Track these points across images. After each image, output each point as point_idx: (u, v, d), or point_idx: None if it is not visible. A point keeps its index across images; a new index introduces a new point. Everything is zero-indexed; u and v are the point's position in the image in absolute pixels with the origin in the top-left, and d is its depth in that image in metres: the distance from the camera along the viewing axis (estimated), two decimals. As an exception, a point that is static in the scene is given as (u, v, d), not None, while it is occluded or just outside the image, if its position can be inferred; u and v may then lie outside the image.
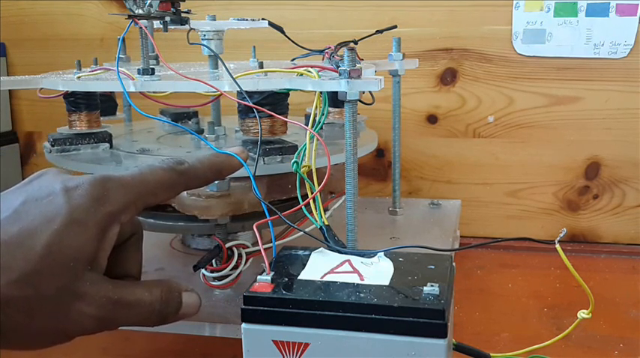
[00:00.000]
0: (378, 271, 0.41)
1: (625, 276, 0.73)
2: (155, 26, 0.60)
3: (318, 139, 0.51)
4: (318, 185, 0.51)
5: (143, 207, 0.41)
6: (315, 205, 0.49)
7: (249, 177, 0.48)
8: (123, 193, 0.40)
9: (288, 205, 0.55)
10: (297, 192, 0.50)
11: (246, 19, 0.67)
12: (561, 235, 0.41)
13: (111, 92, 0.72)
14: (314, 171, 0.52)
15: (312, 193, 0.50)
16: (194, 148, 0.65)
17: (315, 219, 0.49)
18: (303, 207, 0.49)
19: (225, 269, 0.54)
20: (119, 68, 0.55)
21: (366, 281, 0.39)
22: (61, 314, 0.37)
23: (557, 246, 0.40)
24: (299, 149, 0.53)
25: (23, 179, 0.42)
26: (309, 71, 0.53)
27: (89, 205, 0.38)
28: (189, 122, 0.76)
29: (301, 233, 0.50)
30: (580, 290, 0.45)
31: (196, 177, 0.44)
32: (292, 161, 0.52)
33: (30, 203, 0.38)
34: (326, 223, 0.49)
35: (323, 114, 0.53)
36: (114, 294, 0.39)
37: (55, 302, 0.37)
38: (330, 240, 0.48)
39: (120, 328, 0.42)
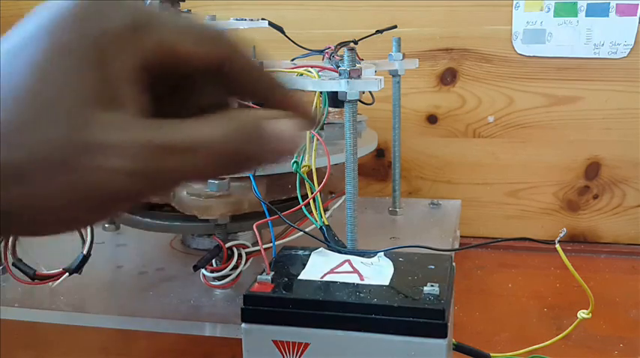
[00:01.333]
0: (378, 271, 0.41)
1: (625, 276, 0.73)
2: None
3: (318, 139, 0.51)
4: (318, 185, 0.51)
5: (167, 49, 0.28)
6: (315, 205, 0.49)
7: (249, 177, 0.48)
8: (132, 11, 0.27)
9: (289, 205, 0.55)
10: (297, 192, 0.50)
11: (246, 19, 0.67)
12: (561, 235, 0.41)
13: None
14: (314, 171, 0.52)
15: (311, 193, 0.50)
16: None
17: (315, 219, 0.49)
18: (303, 207, 0.49)
19: (225, 269, 0.54)
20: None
21: (366, 281, 0.39)
22: (73, 176, 0.25)
23: (558, 246, 0.40)
24: (298, 149, 0.53)
25: None
26: (309, 71, 0.53)
27: (71, 23, 0.26)
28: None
29: (301, 233, 0.50)
30: (580, 290, 0.45)
31: (247, 56, 0.30)
32: (292, 161, 0.52)
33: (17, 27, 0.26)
34: (326, 223, 0.49)
35: (323, 115, 0.53)
36: (154, 137, 0.26)
37: (61, 163, 0.25)
38: (330, 239, 0.48)
39: (119, 328, 0.39)
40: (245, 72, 0.30)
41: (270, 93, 0.32)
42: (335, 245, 0.46)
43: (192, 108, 0.30)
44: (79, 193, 0.25)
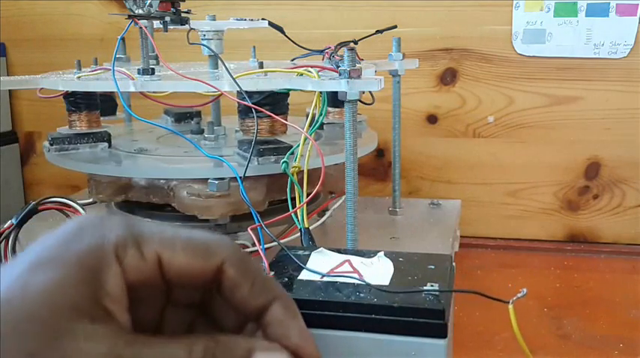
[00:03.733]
0: (378, 271, 0.41)
1: (625, 276, 0.73)
2: (155, 26, 0.60)
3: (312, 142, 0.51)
4: (309, 186, 0.51)
5: (154, 253, 0.28)
6: (305, 206, 0.50)
7: (249, 177, 0.48)
8: (123, 230, 0.29)
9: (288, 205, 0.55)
10: (288, 193, 0.50)
11: (246, 19, 0.67)
12: (519, 295, 0.38)
13: (111, 92, 0.72)
14: (305, 172, 0.52)
15: (299, 195, 0.51)
16: (193, 148, 0.65)
17: (299, 222, 0.50)
18: (290, 207, 0.50)
19: (225, 269, 0.54)
20: (118, 68, 0.55)
21: (365, 282, 0.39)
22: None
23: (511, 307, 0.38)
24: (282, 150, 0.54)
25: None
26: (309, 71, 0.53)
27: (60, 244, 0.28)
28: (192, 122, 0.76)
29: (300, 234, 0.50)
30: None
31: (243, 263, 0.30)
32: (282, 161, 0.53)
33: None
34: (306, 226, 0.50)
35: (322, 115, 0.53)
36: (125, 352, 0.26)
37: None
38: (305, 243, 0.49)
39: None
40: (239, 287, 0.29)
41: (267, 315, 0.30)
42: (310, 249, 0.47)
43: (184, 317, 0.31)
44: None
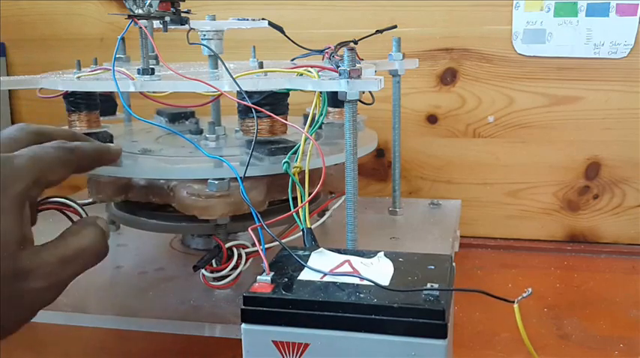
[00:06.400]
0: (378, 271, 0.41)
1: (625, 276, 0.73)
2: (155, 26, 0.60)
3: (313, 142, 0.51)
4: (310, 186, 0.51)
5: (46, 183, 0.43)
6: (307, 206, 0.50)
7: (250, 177, 0.48)
8: (29, 172, 0.41)
9: (289, 205, 0.55)
10: (289, 193, 0.50)
11: (246, 19, 0.67)
12: (524, 295, 0.38)
13: (111, 92, 0.72)
14: (307, 172, 0.52)
15: (300, 195, 0.51)
16: (194, 148, 0.65)
17: (301, 222, 0.50)
18: (292, 207, 0.50)
19: (225, 269, 0.55)
20: (119, 68, 0.55)
21: (366, 282, 0.39)
22: (16, 300, 0.39)
23: (516, 306, 0.38)
24: (292, 149, 0.54)
25: None
26: (309, 71, 0.53)
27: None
28: (187, 122, 0.76)
29: (300, 233, 0.50)
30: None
31: (85, 156, 0.47)
32: (283, 161, 0.53)
33: None
34: (308, 226, 0.50)
35: (322, 115, 0.53)
36: (55, 258, 0.41)
37: (8, 293, 0.38)
38: (307, 243, 0.48)
39: (119, 328, 0.42)
40: (87, 159, 0.49)
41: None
42: (309, 248, 0.46)
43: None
44: (16, 309, 0.39)
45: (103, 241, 0.45)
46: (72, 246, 0.43)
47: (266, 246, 0.43)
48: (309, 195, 0.51)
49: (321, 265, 0.42)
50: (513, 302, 0.37)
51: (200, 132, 0.71)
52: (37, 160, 0.42)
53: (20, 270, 0.39)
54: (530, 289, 0.37)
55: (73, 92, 0.62)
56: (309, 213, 0.51)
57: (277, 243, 0.45)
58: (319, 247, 0.44)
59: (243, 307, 0.38)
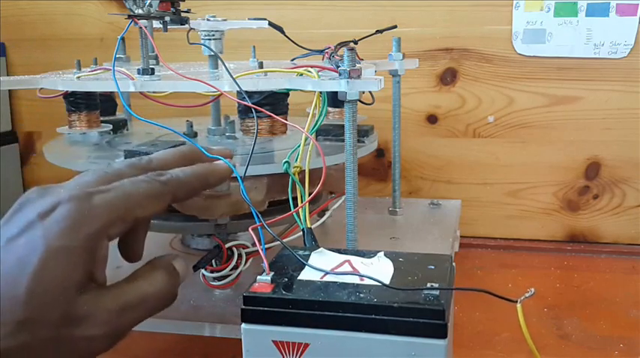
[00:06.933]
0: (378, 271, 0.41)
1: (625, 276, 0.73)
2: (155, 26, 0.60)
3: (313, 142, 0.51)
4: (310, 186, 0.51)
5: (133, 220, 0.39)
6: (307, 206, 0.50)
7: (249, 177, 0.48)
8: (107, 210, 0.38)
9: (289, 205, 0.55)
10: (289, 193, 0.50)
11: (247, 19, 0.67)
12: (527, 295, 0.38)
13: (110, 92, 0.72)
14: (307, 172, 0.52)
15: (300, 195, 0.50)
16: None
17: (301, 222, 0.50)
18: (292, 207, 0.50)
19: (225, 269, 0.54)
20: (119, 68, 0.55)
21: (366, 282, 0.39)
22: (66, 347, 0.36)
23: (519, 305, 0.38)
24: (292, 149, 0.54)
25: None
26: (309, 71, 0.53)
27: (69, 229, 0.36)
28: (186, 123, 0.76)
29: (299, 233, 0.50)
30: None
31: (181, 186, 0.42)
32: (283, 161, 0.53)
33: (7, 246, 0.36)
34: (308, 226, 0.50)
35: (322, 115, 0.53)
36: (115, 304, 0.38)
37: (57, 339, 0.35)
38: (308, 243, 0.48)
39: None
40: (185, 189, 0.43)
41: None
42: (310, 248, 0.46)
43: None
44: (61, 355, 0.36)
45: (173, 287, 0.41)
46: (137, 292, 0.39)
47: (266, 245, 0.43)
48: (310, 195, 0.51)
49: (322, 265, 0.42)
50: (516, 301, 0.37)
51: (195, 135, 0.71)
52: (120, 197, 0.38)
53: (74, 316, 0.36)
54: (532, 289, 0.37)
55: (73, 92, 0.62)
56: (310, 213, 0.51)
57: (277, 243, 0.45)
58: (319, 247, 0.44)
59: (243, 307, 0.38)
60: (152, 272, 0.41)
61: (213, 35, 0.63)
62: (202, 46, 0.63)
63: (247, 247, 0.56)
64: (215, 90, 0.52)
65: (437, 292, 0.37)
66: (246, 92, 0.52)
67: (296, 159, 0.53)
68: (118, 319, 0.37)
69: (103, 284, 0.38)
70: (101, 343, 0.37)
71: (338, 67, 0.50)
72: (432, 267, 0.41)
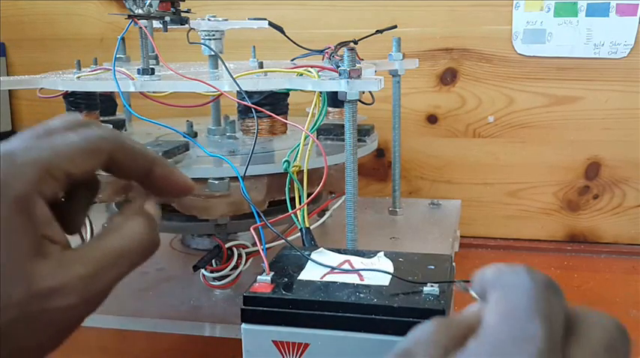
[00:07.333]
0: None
1: (625, 276, 0.73)
2: (155, 26, 0.60)
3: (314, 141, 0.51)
4: (309, 185, 0.51)
5: (64, 176, 0.34)
6: (307, 206, 0.50)
7: (249, 177, 0.48)
8: (32, 166, 0.33)
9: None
10: (286, 193, 0.50)
11: (247, 19, 0.67)
12: None
13: (110, 92, 0.72)
14: (305, 172, 0.52)
15: (299, 194, 0.51)
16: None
17: (299, 221, 0.50)
18: (289, 207, 0.50)
19: (225, 269, 0.54)
20: (119, 68, 0.55)
21: (365, 282, 0.39)
22: (40, 323, 0.31)
23: None
24: (292, 149, 0.54)
25: None
26: (309, 71, 0.53)
27: None
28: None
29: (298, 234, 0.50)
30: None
31: (119, 147, 0.36)
32: (283, 160, 0.53)
33: None
34: (307, 226, 0.50)
35: (321, 115, 0.53)
36: (87, 268, 0.32)
37: (27, 317, 0.31)
38: (307, 243, 0.48)
39: (119, 328, 0.40)
40: (127, 161, 0.36)
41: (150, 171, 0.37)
42: (309, 248, 0.46)
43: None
44: (41, 332, 0.31)
45: (153, 232, 0.35)
46: (112, 249, 0.34)
47: (266, 245, 0.43)
48: (309, 195, 0.51)
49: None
50: None
51: (195, 134, 0.71)
52: (46, 151, 0.34)
53: (41, 288, 0.31)
54: None
55: (73, 92, 0.62)
56: (309, 213, 0.51)
57: (277, 243, 0.45)
58: (318, 247, 0.44)
59: (243, 307, 0.38)
60: (126, 222, 0.35)
61: (214, 35, 0.63)
62: (202, 46, 0.63)
63: (247, 247, 0.56)
64: (215, 90, 0.52)
65: (437, 292, 0.37)
66: (246, 92, 0.52)
67: (295, 158, 0.53)
68: (94, 283, 0.32)
69: (65, 246, 0.33)
70: (81, 310, 0.33)
71: (338, 67, 0.51)
72: (432, 267, 0.41)
